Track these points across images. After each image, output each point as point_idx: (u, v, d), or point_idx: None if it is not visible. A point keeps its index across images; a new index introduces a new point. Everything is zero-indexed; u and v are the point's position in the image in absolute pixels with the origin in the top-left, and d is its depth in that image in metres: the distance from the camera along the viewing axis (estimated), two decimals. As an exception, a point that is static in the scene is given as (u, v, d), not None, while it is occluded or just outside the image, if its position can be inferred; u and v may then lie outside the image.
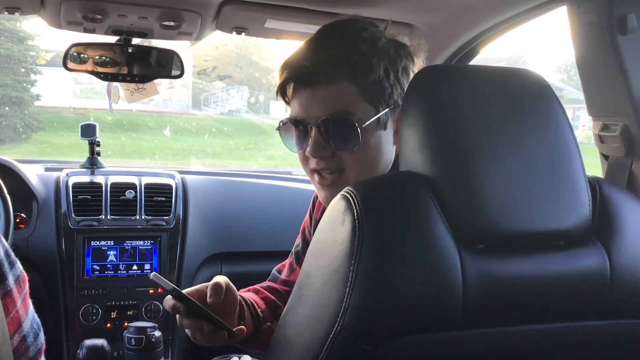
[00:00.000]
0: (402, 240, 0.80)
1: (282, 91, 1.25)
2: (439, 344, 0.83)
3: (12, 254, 0.85)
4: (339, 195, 0.87)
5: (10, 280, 0.83)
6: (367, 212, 0.81)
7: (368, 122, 1.18)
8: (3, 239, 0.84)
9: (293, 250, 1.54)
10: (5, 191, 2.01)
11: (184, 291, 1.12)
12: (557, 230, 0.86)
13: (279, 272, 1.56)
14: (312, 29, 1.26)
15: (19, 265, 0.87)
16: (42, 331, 0.90)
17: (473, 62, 1.86)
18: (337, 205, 0.86)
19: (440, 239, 0.81)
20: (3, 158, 2.22)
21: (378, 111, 1.19)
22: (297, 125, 1.22)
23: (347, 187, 0.86)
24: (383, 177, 1.07)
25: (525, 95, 0.91)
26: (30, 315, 0.88)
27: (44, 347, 0.90)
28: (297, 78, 1.20)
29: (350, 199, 0.83)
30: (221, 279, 1.20)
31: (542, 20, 1.59)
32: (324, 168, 1.22)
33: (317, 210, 1.48)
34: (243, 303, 1.30)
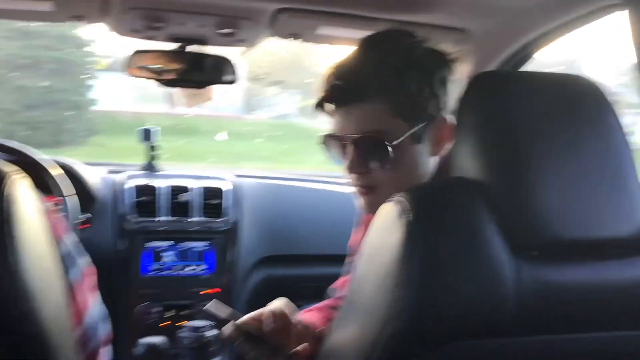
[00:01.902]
0: (455, 245, 0.80)
1: (320, 107, 1.25)
2: (490, 350, 0.83)
3: (81, 246, 0.89)
4: (391, 201, 0.87)
5: (77, 271, 0.87)
6: (419, 217, 0.82)
7: (400, 140, 1.17)
8: (73, 232, 0.88)
9: (348, 269, 1.53)
10: (70, 192, 2.08)
11: (240, 320, 1.15)
12: (612, 238, 0.85)
13: (335, 290, 1.55)
14: (363, 34, 1.26)
15: (86, 257, 0.90)
16: (106, 323, 0.93)
17: (527, 67, 1.84)
18: (388, 210, 0.86)
19: (493, 244, 0.81)
20: (68, 160, 2.30)
21: (412, 126, 1.17)
22: (337, 141, 1.24)
23: (400, 193, 0.87)
24: (436, 183, 1.07)
25: (580, 101, 0.90)
26: (95, 307, 0.91)
27: (108, 337, 0.93)
28: (331, 98, 1.21)
29: (403, 204, 0.84)
30: (276, 304, 1.21)
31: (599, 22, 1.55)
32: (360, 184, 1.23)
33: (364, 227, 1.47)
34: (301, 325, 1.29)
